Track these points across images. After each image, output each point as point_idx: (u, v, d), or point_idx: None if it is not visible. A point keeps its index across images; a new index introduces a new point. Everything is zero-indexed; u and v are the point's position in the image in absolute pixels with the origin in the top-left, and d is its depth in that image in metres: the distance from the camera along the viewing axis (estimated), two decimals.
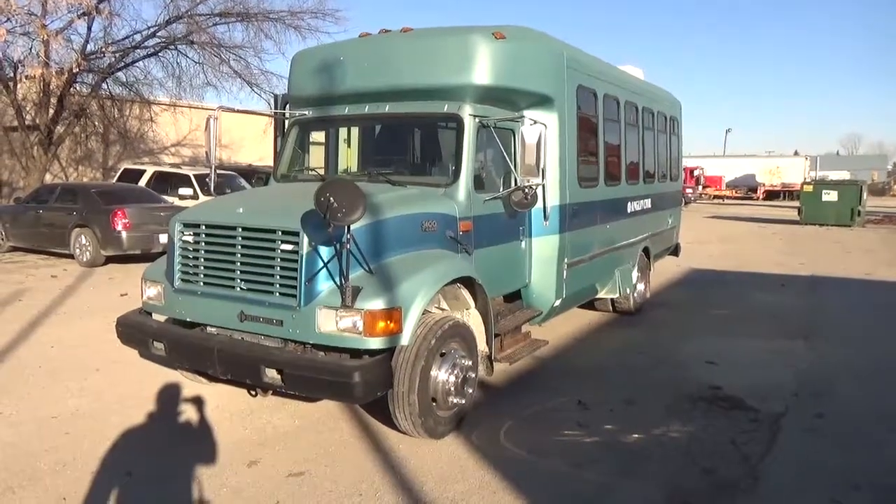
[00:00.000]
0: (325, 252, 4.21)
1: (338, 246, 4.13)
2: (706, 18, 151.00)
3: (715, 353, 6.98)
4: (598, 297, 7.92)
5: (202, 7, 18.00)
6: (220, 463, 4.27)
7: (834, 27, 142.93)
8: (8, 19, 15.13)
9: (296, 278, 4.26)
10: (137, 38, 18.34)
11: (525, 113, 5.75)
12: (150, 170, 16.83)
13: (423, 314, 4.47)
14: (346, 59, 5.75)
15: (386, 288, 4.22)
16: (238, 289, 4.53)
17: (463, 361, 4.69)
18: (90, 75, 18.57)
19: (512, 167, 5.37)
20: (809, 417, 5.24)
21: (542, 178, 5.34)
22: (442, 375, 4.55)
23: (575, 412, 5.27)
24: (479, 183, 5.42)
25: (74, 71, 15.76)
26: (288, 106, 6.27)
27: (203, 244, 4.71)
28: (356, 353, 4.23)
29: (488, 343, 5.15)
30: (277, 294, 4.36)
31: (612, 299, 8.27)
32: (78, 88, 18.67)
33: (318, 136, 6.49)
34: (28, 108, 17.86)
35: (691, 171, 46.00)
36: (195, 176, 15.45)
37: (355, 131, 6.37)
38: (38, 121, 17.62)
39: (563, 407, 5.39)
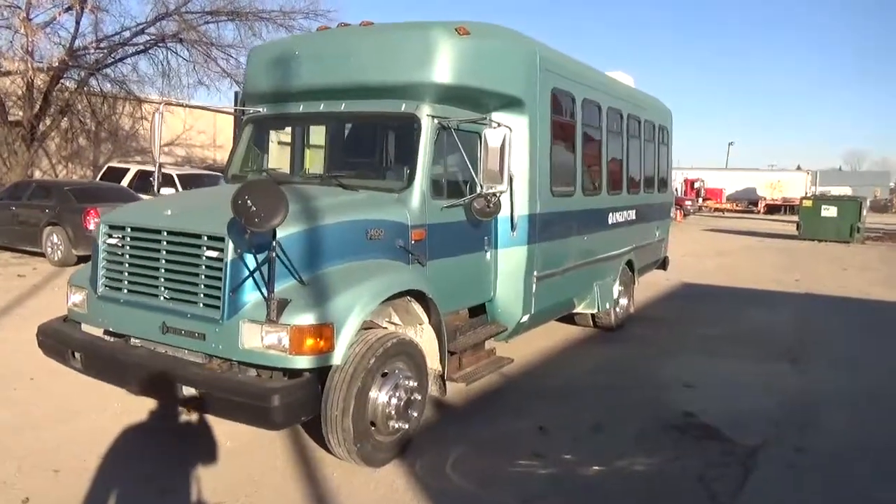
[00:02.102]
0: (251, 260, 3.82)
1: (266, 254, 3.75)
2: (711, 30, 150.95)
3: (695, 374, 6.58)
4: (576, 311, 7.53)
5: (192, 5, 17.70)
6: (128, 492, 3.87)
7: (841, 43, 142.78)
8: None
9: (220, 288, 3.88)
10: (126, 34, 18.03)
11: (493, 116, 5.39)
12: (133, 168, 16.49)
13: (363, 330, 4.10)
14: (301, 54, 5.38)
15: (318, 301, 3.84)
16: (162, 298, 4.15)
17: (407, 382, 4.30)
18: (78, 71, 18.26)
19: (472, 172, 4.98)
20: (789, 451, 4.83)
21: (507, 185, 4.94)
22: (382, 397, 4.15)
23: (534, 439, 4.87)
24: (439, 189, 5.05)
25: (54, 65, 15.41)
26: (243, 103, 5.89)
27: (128, 248, 4.33)
28: (296, 373, 3.85)
29: (441, 361, 4.76)
30: (201, 305, 3.98)
31: (592, 314, 7.89)
32: (65, 84, 18.34)
33: (279, 135, 6.13)
34: (12, 103, 17.53)
35: (692, 184, 45.73)
36: (178, 176, 15.09)
37: (313, 130, 5.98)
38: (21, 116, 17.29)
39: (522, 432, 4.99)
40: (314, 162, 6.00)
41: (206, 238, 3.95)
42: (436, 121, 4.90)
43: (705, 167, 53.15)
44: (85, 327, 4.74)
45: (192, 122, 25.31)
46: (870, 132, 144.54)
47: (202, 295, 3.97)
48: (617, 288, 8.08)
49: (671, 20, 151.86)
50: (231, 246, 3.83)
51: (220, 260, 3.88)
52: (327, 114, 5.35)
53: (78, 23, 17.29)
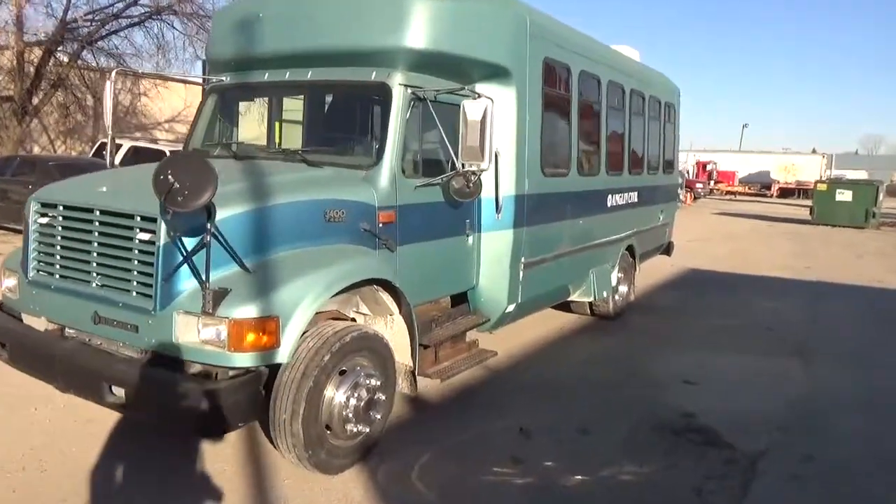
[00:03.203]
0: (188, 244, 3.37)
1: (208, 237, 3.30)
2: (726, 9, 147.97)
3: (696, 370, 6.12)
4: (571, 299, 7.06)
5: None
6: (52, 499, 3.46)
7: (860, 26, 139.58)
8: None
9: (153, 275, 3.44)
10: (119, 6, 17.52)
11: (477, 87, 4.89)
12: (127, 144, 16.06)
13: (327, 322, 3.68)
14: (265, 16, 4.88)
15: (262, 292, 3.39)
16: (94, 284, 3.72)
17: (369, 381, 3.86)
18: (71, 44, 17.78)
19: (450, 149, 4.49)
20: (795, 460, 4.38)
21: (490, 163, 4.44)
22: (339, 398, 3.72)
23: (513, 442, 4.44)
24: (414, 167, 4.58)
25: (43, 38, 14.93)
26: (207, 71, 5.42)
27: (60, 228, 3.89)
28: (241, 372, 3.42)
29: (412, 356, 4.32)
30: (134, 293, 3.54)
31: (589, 302, 7.42)
32: (58, 58, 17.87)
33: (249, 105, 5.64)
34: (2, 76, 17.11)
35: (704, 166, 44.91)
36: (171, 152, 14.67)
37: (280, 101, 5.48)
38: (12, 91, 16.88)
39: (501, 434, 4.56)
40: (282, 135, 5.52)
41: (138, 218, 3.51)
42: (409, 91, 4.41)
43: (719, 149, 52.24)
44: (25, 316, 4.33)
45: (192, 99, 24.81)
46: (888, 116, 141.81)
47: (135, 282, 3.54)
48: (616, 275, 7.60)
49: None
50: (164, 228, 3.38)
51: (153, 243, 3.44)
52: (292, 83, 4.86)
53: None
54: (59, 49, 17.69)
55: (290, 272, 3.55)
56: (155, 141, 17.03)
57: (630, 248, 8.07)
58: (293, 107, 5.62)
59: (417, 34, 4.41)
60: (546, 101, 5.66)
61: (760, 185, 46.25)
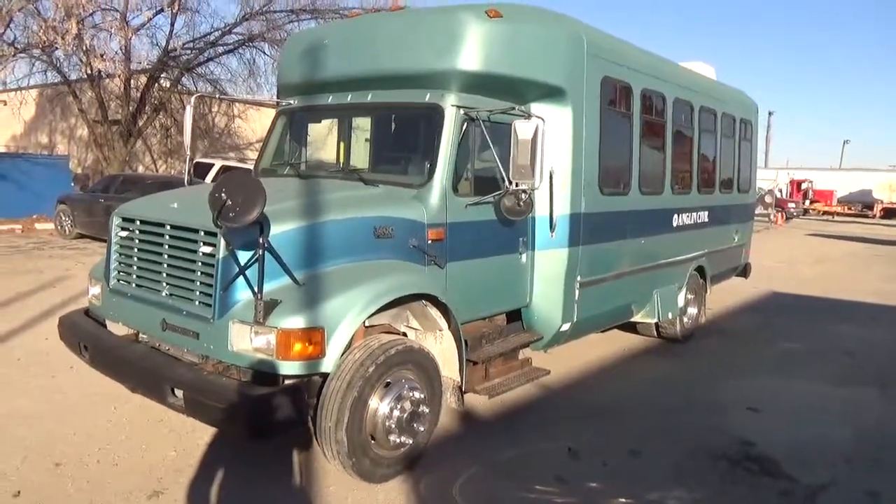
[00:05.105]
0: (244, 258, 3.61)
1: (260, 251, 3.54)
2: (823, 20, 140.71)
3: (763, 397, 5.87)
4: (634, 320, 6.95)
5: (275, 4, 18.12)
6: (120, 491, 3.77)
7: None
8: (91, 14, 15.78)
9: (213, 286, 3.70)
10: (216, 34, 18.74)
11: (532, 107, 4.98)
12: (217, 164, 17.08)
13: (376, 335, 3.85)
14: (330, 43, 5.17)
15: (310, 303, 3.59)
16: (164, 294, 4.04)
17: (413, 394, 3.98)
18: (173, 71, 19.15)
19: (501, 167, 4.58)
20: (859, 495, 4.15)
21: (540, 182, 4.49)
22: (383, 409, 3.85)
23: (560, 462, 4.42)
24: (465, 185, 4.69)
25: (147, 66, 16.18)
26: (278, 94, 5.76)
27: (137, 241, 4.25)
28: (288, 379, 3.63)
29: (460, 371, 4.41)
30: (197, 303, 3.83)
31: (655, 324, 7.27)
32: (160, 83, 19.28)
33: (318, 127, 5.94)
34: (111, 101, 18.61)
35: (798, 185, 42.73)
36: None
37: (347, 123, 5.74)
38: (119, 115, 18.32)
39: (548, 453, 4.55)
40: (348, 155, 5.77)
41: (202, 233, 3.79)
42: (461, 111, 4.54)
43: (817, 167, 49.48)
44: (108, 322, 4.73)
45: None
46: None
47: (198, 292, 3.82)
48: (683, 296, 7.40)
49: (781, 10, 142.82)
50: (223, 242, 3.64)
51: (214, 256, 3.71)
52: (353, 105, 5.11)
53: (172, 24, 18.17)
54: (161, 75, 19.12)
55: (338, 286, 3.73)
56: (244, 160, 18.01)
57: (700, 269, 7.85)
58: (366, 127, 5.86)
59: (470, 57, 4.55)
60: (605, 121, 5.65)
61: (862, 205, 43.38)
